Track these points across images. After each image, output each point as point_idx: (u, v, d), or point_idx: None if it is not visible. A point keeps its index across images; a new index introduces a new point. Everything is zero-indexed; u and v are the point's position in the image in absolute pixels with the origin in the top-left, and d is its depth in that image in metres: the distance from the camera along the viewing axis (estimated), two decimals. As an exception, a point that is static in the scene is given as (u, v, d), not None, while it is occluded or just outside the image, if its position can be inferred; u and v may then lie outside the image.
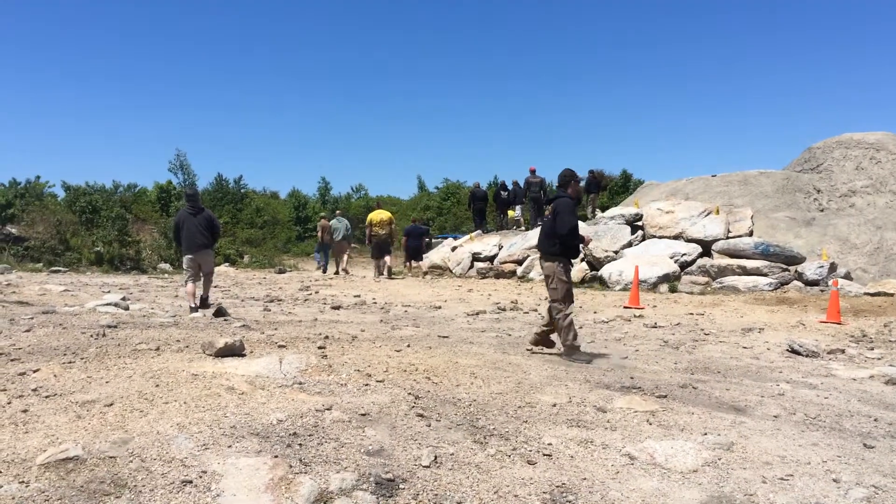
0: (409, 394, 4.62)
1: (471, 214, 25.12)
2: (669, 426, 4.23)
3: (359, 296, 12.76)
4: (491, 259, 18.76)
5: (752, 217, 16.32)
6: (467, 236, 21.55)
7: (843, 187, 18.28)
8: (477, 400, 4.63)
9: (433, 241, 23.74)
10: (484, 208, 23.60)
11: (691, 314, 10.63)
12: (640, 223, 17.16)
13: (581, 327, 9.09)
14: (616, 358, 6.72)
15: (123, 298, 9.79)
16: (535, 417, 4.29)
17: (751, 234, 15.60)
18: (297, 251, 31.65)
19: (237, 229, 31.39)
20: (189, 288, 9.16)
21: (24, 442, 3.28)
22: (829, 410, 4.89)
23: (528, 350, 6.89)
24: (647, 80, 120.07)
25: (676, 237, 15.98)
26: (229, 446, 3.34)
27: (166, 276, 17.65)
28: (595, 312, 10.81)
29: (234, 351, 5.51)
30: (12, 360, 5.04)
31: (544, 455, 3.57)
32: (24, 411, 3.73)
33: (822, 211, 17.70)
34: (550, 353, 6.79)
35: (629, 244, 16.20)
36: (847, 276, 13.86)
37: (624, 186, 40.05)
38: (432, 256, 20.77)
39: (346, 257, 19.69)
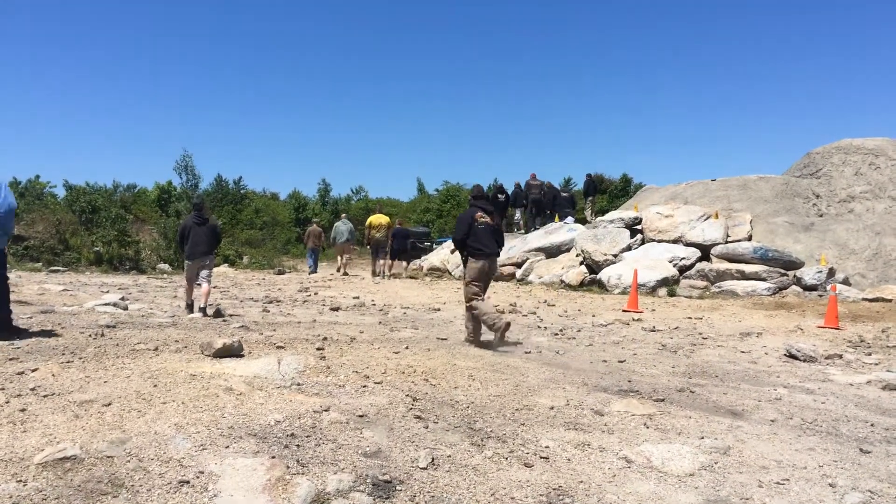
0: (407, 395, 4.63)
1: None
2: (666, 430, 4.24)
3: (358, 297, 12.77)
4: (490, 262, 18.72)
5: (751, 222, 16.33)
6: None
7: (842, 193, 18.29)
8: (475, 402, 4.64)
9: (433, 244, 23.75)
10: None
11: (690, 318, 10.64)
12: (639, 227, 17.16)
13: (580, 330, 9.10)
14: (614, 361, 6.72)
15: (122, 298, 9.80)
16: (532, 420, 4.29)
17: (750, 238, 15.60)
18: (297, 252, 31.58)
19: (236, 230, 31.36)
20: (185, 287, 9.47)
21: (21, 441, 3.29)
22: (826, 415, 4.90)
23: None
24: (648, 84, 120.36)
25: (675, 241, 15.99)
26: (227, 447, 3.35)
27: (165, 276, 17.65)
28: (594, 316, 10.82)
29: (232, 352, 5.51)
30: (11, 360, 5.05)
31: (541, 458, 3.58)
32: (22, 410, 3.74)
33: (820, 216, 17.71)
34: (548, 356, 6.80)
35: (628, 248, 16.20)
36: (845, 282, 13.86)
37: (623, 190, 39.99)
38: (431, 259, 20.78)
39: (346, 258, 19.97)
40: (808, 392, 5.72)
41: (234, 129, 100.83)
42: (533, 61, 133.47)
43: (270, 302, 11.59)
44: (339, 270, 19.53)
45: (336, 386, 4.81)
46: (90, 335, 6.30)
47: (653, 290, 13.91)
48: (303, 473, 3.11)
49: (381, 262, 18.72)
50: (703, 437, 4.08)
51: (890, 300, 12.49)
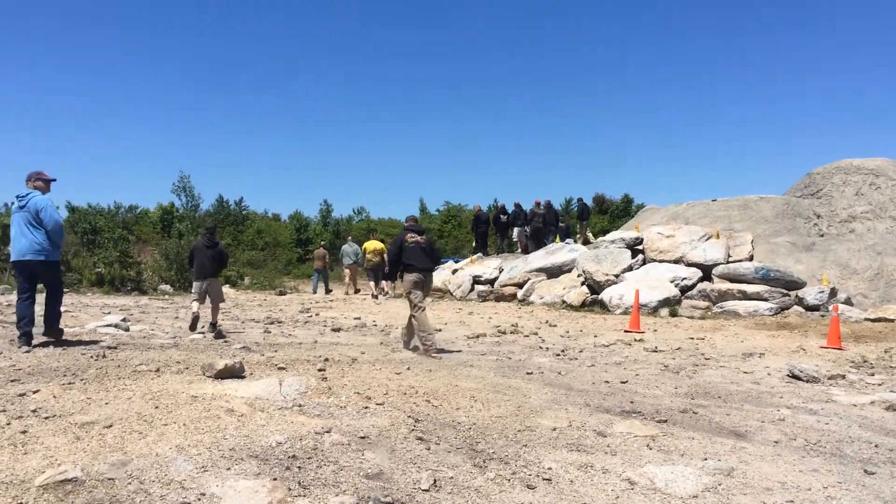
0: (409, 417, 4.61)
1: (473, 237, 25.32)
2: (669, 451, 4.22)
3: (359, 318, 12.76)
4: (491, 282, 18.77)
5: (752, 242, 16.33)
6: (468, 259, 21.62)
7: (843, 213, 18.33)
8: (477, 423, 4.62)
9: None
10: (486, 232, 23.73)
11: (692, 338, 10.61)
12: (640, 247, 17.17)
13: (581, 351, 9.08)
14: (616, 382, 6.70)
15: (124, 319, 9.80)
16: (534, 441, 4.28)
17: (751, 258, 15.60)
18: (298, 273, 31.60)
19: (238, 251, 31.38)
20: (193, 307, 9.77)
21: (22, 463, 3.28)
22: (829, 436, 4.87)
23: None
24: (649, 104, 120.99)
25: (677, 261, 15.99)
26: (228, 468, 3.34)
27: (167, 297, 17.65)
28: (595, 336, 10.80)
29: (234, 373, 5.51)
30: (12, 381, 5.04)
31: (544, 479, 3.56)
32: (24, 432, 3.73)
33: (822, 236, 17.73)
34: (550, 377, 6.79)
35: (630, 268, 16.20)
36: (847, 302, 13.84)
37: (625, 210, 40.11)
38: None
39: (350, 279, 21.22)
40: (811, 413, 5.70)
41: (237, 150, 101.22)
42: (535, 82, 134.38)
43: (272, 323, 11.58)
44: (346, 292, 20.81)
45: (338, 407, 4.80)
46: (92, 356, 6.30)
47: (654, 311, 13.89)
48: (304, 495, 3.09)
49: (383, 283, 19.53)
50: (706, 459, 4.06)
51: (892, 320, 12.46)
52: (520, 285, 17.70)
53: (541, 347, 9.35)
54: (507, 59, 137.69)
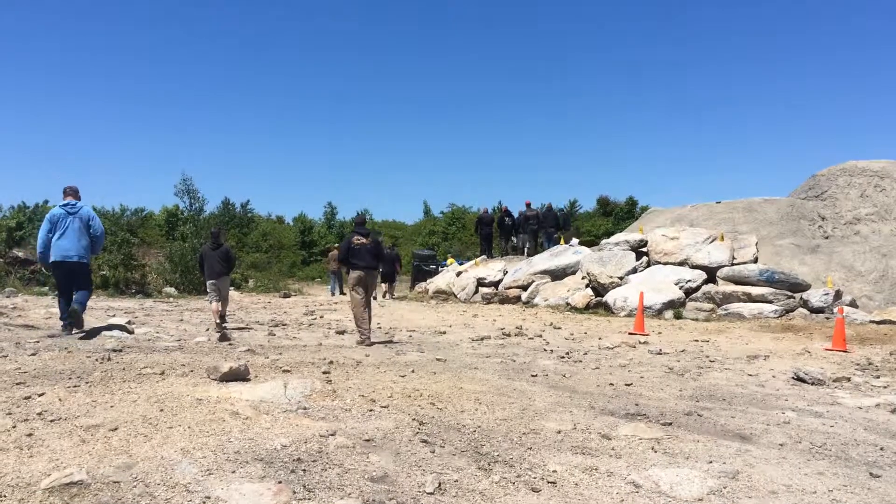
0: (414, 419, 4.61)
1: (477, 240, 25.38)
2: (674, 454, 4.21)
3: (363, 321, 12.74)
4: (496, 284, 18.77)
5: (756, 244, 16.30)
6: (472, 262, 21.62)
7: (848, 215, 18.28)
8: (481, 426, 4.62)
9: (438, 267, 23.85)
10: (491, 234, 23.76)
11: (696, 341, 10.60)
12: (644, 249, 17.16)
13: (586, 353, 9.07)
14: (621, 384, 6.70)
15: (129, 322, 9.82)
16: (539, 444, 4.27)
17: (755, 260, 15.57)
18: (303, 276, 31.67)
19: (243, 253, 31.45)
20: (214, 307, 10.81)
21: (28, 466, 3.29)
22: (834, 439, 4.86)
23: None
24: (653, 106, 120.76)
25: (681, 263, 15.96)
26: (233, 472, 3.34)
27: (171, 300, 17.69)
28: (600, 339, 10.79)
29: (238, 375, 5.51)
30: (18, 384, 5.05)
31: (549, 482, 3.56)
32: (29, 435, 3.74)
33: (826, 238, 17.69)
34: (554, 379, 6.78)
35: (634, 270, 16.19)
36: (852, 304, 13.80)
37: (629, 212, 40.10)
38: (437, 281, 20.81)
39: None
40: (816, 415, 5.68)
41: (242, 153, 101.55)
42: (539, 83, 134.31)
43: (276, 325, 11.60)
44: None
45: (342, 410, 4.80)
46: (97, 359, 6.31)
47: (659, 313, 13.87)
48: (309, 499, 3.10)
49: (383, 286, 20.56)
50: (711, 462, 4.05)
51: (898, 322, 12.42)
52: (524, 287, 17.70)
53: (545, 350, 9.34)
54: (512, 60, 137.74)
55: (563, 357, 8.65)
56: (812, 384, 7.20)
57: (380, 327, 11.73)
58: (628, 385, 6.69)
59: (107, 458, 3.44)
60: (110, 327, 9.04)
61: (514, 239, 23.56)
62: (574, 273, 17.50)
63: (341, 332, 10.68)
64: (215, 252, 11.02)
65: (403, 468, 3.60)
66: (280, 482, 3.23)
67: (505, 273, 19.07)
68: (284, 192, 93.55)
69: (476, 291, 18.89)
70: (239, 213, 42.84)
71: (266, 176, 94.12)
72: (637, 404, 5.71)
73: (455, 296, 19.14)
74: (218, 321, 10.57)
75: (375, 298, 19.21)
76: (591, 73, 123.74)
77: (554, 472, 3.73)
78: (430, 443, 4.08)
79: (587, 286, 16.20)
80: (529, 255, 21.12)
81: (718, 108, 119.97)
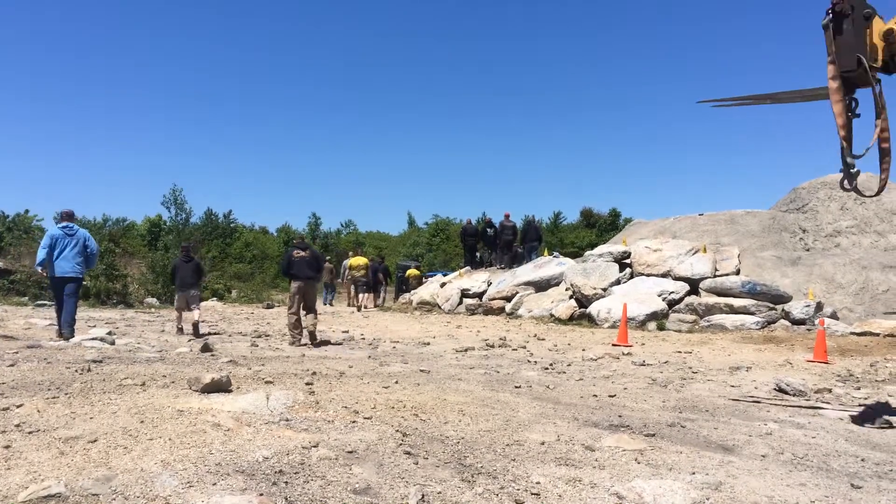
0: (397, 431, 4.59)
1: (462, 251, 25.40)
2: (658, 465, 4.22)
3: (347, 331, 12.72)
4: (480, 295, 18.77)
5: (738, 256, 16.44)
6: (456, 273, 21.63)
7: (829, 227, 18.49)
8: (465, 437, 4.60)
9: (424, 278, 23.83)
10: (475, 245, 23.76)
11: (679, 352, 10.64)
12: (628, 261, 17.24)
13: (570, 365, 9.08)
14: (604, 396, 6.71)
15: (109, 333, 9.72)
16: (523, 455, 4.26)
17: (738, 272, 15.70)
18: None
19: (225, 264, 31.26)
20: (175, 315, 12.07)
21: (5, 479, 3.24)
22: (816, 450, 4.89)
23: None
24: (636, 118, 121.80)
25: (664, 275, 16.06)
26: (214, 484, 3.30)
27: (153, 310, 17.53)
28: (584, 350, 10.81)
29: (220, 387, 5.46)
30: (-5, 395, 4.98)
31: (532, 494, 3.55)
32: (7, 447, 3.68)
33: (807, 250, 17.87)
34: (538, 390, 6.78)
35: (617, 282, 16.26)
36: (833, 316, 13.93)
37: (612, 224, 40.35)
38: (421, 292, 20.80)
39: (356, 293, 22.39)
40: (798, 427, 5.71)
41: (225, 164, 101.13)
42: (524, 95, 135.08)
43: (259, 336, 11.53)
44: (349, 303, 22.57)
45: (325, 421, 4.77)
46: (76, 370, 6.23)
47: (642, 324, 13.93)
48: (291, 511, 3.06)
49: (363, 296, 20.93)
50: (694, 473, 4.06)
51: (878, 334, 12.56)
52: (508, 299, 17.72)
53: (529, 361, 9.34)
54: (496, 72, 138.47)
55: (546, 368, 8.66)
56: (794, 395, 7.25)
57: (363, 338, 11.68)
58: (612, 396, 6.70)
59: (86, 470, 3.39)
60: (91, 338, 8.94)
61: (478, 254, 23.60)
62: (558, 284, 17.55)
63: (325, 343, 10.63)
64: (188, 265, 12.03)
65: (387, 480, 3.58)
66: (262, 494, 3.20)
67: (489, 284, 19.08)
68: (269, 203, 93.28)
69: (460, 302, 18.90)
70: (222, 223, 42.60)
71: (250, 187, 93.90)
72: (620, 416, 5.72)
73: (439, 307, 19.12)
74: (180, 326, 11.69)
75: (359, 309, 19.23)
76: (575, 85, 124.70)
77: (537, 483, 3.72)
78: (413, 454, 4.06)
79: (571, 297, 16.24)
80: (507, 267, 21.03)
81: (701, 121, 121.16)
